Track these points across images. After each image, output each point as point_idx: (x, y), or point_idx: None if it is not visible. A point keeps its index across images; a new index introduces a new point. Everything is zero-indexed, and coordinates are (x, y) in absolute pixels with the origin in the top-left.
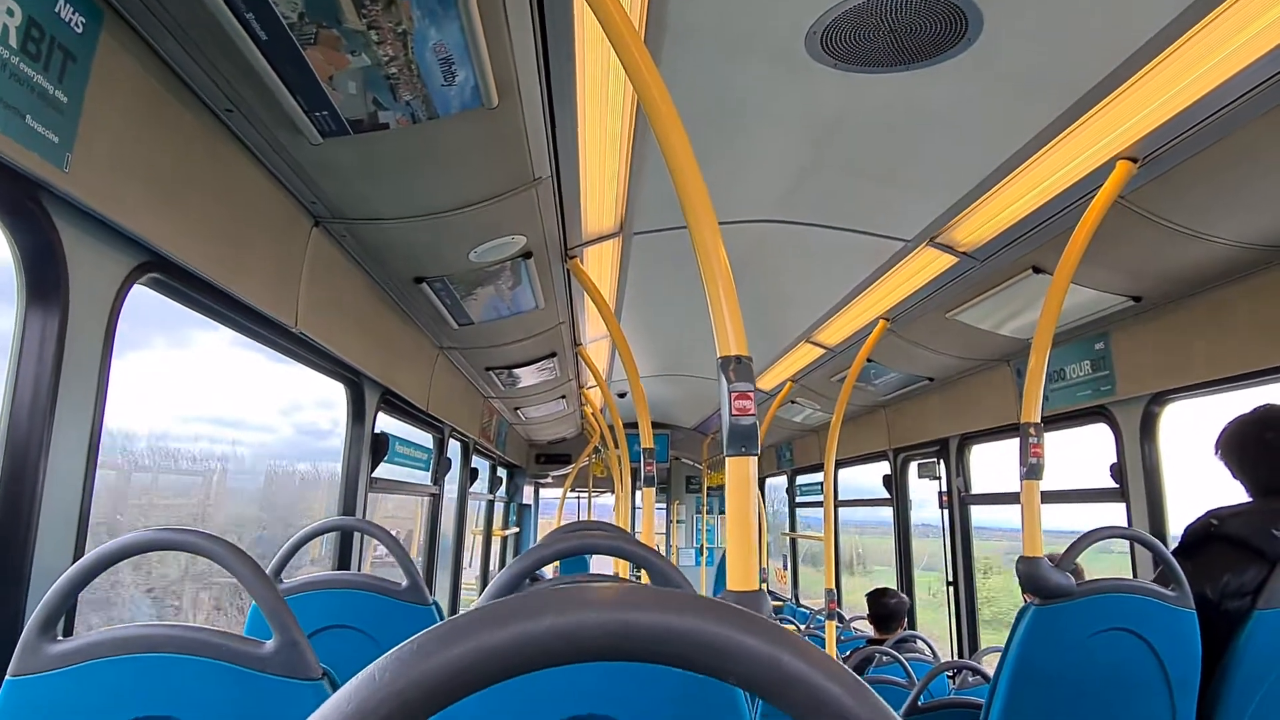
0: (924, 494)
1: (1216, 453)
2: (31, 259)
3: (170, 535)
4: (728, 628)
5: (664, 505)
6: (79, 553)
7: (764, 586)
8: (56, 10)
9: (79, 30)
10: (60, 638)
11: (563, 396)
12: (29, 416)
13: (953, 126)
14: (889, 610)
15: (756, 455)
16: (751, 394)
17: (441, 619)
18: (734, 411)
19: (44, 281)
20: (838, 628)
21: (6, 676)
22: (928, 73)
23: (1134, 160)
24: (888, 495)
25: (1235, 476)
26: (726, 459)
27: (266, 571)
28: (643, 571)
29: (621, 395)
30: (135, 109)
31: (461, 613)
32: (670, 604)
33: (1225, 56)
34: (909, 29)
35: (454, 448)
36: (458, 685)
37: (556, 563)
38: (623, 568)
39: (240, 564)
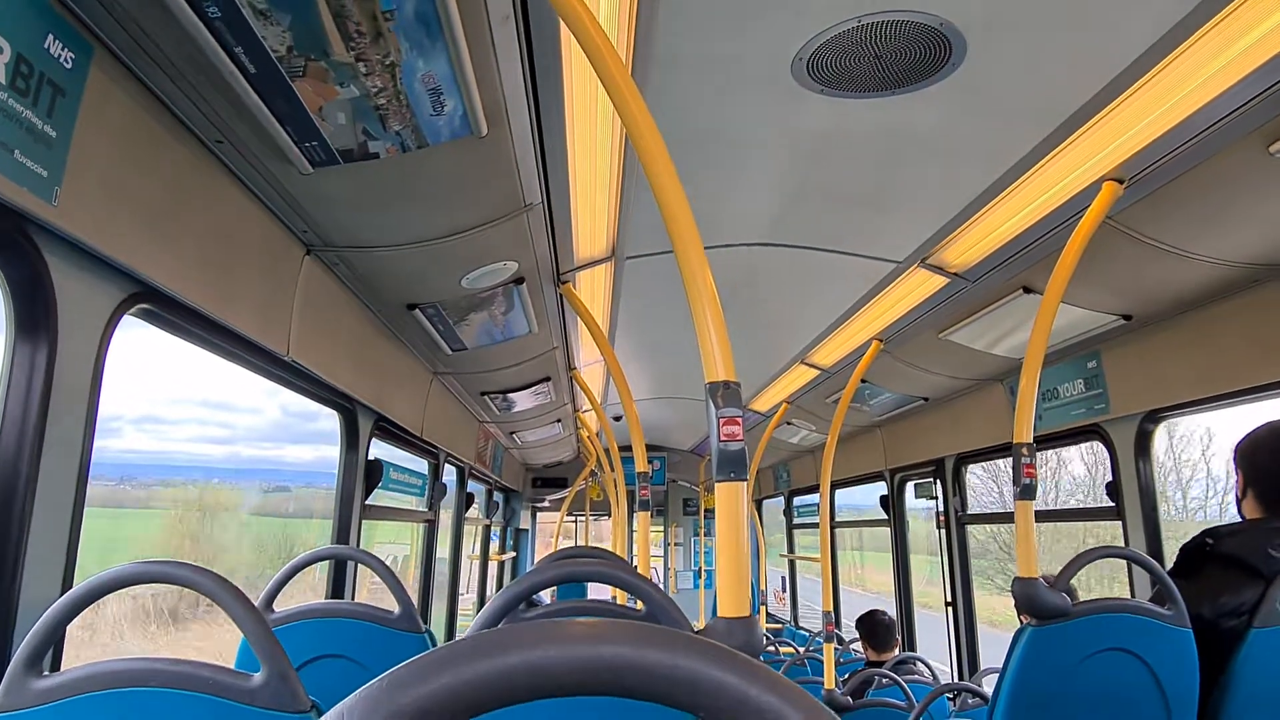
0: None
1: (1234, 459)
2: (20, 291)
3: (159, 568)
4: (697, 661)
5: (661, 528)
6: (67, 585)
7: (764, 609)
8: (46, 46)
9: (68, 66)
10: (46, 672)
11: (558, 420)
12: (16, 448)
13: (940, 150)
14: (881, 627)
15: (746, 480)
16: (740, 419)
17: (435, 646)
18: (722, 437)
19: (33, 313)
20: (836, 650)
21: None
22: (914, 97)
23: (1120, 181)
24: (885, 516)
25: (1247, 486)
26: (716, 484)
27: (258, 601)
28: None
29: (617, 419)
30: (125, 142)
31: (439, 646)
32: (637, 638)
33: (1208, 79)
34: (894, 55)
35: (450, 473)
36: None
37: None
38: (622, 593)
39: (229, 597)
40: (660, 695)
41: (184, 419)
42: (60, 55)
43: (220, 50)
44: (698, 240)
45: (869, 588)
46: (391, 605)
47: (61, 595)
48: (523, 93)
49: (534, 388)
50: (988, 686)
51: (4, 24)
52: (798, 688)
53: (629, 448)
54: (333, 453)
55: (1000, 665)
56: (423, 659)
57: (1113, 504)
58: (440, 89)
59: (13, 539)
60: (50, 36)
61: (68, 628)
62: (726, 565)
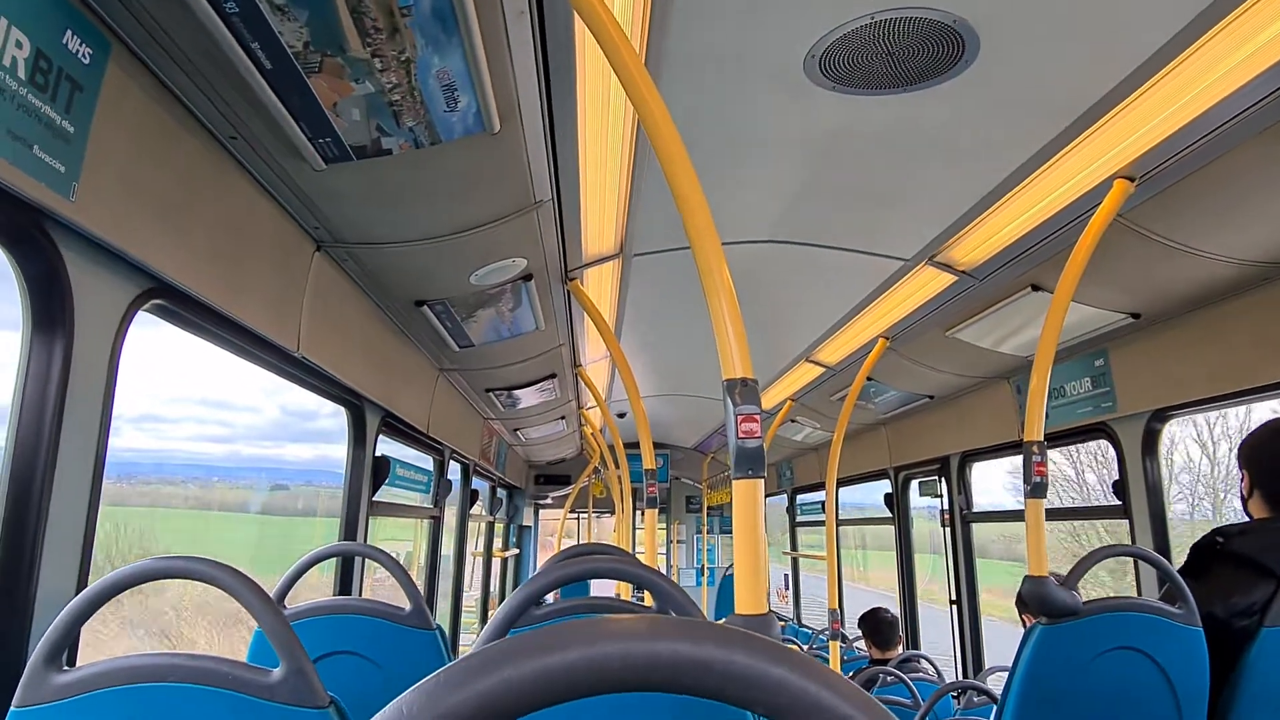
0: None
1: (1239, 459)
2: (37, 286)
3: (176, 563)
4: (761, 660)
5: (664, 525)
6: (83, 582)
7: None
8: (64, 42)
9: (86, 61)
10: (65, 668)
11: (562, 417)
12: (34, 443)
13: (951, 147)
14: (884, 625)
15: (763, 477)
16: (758, 416)
17: (445, 643)
18: (740, 434)
19: (49, 308)
20: (841, 647)
21: (11, 708)
22: (926, 94)
23: (1131, 179)
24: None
25: (1253, 485)
26: (733, 481)
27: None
28: (645, 593)
29: (621, 415)
30: (141, 137)
31: (459, 645)
32: (697, 635)
33: (1220, 76)
34: (906, 52)
35: (454, 470)
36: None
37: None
38: (624, 589)
39: (247, 591)
40: (716, 691)
41: (183, 418)
42: (78, 51)
43: (237, 45)
44: (715, 236)
45: (872, 584)
46: (399, 601)
47: (77, 590)
48: (536, 89)
49: (539, 384)
50: (993, 685)
51: (23, 20)
52: (855, 685)
53: (633, 444)
54: (332, 451)
55: (1005, 663)
56: (481, 654)
57: (1119, 502)
58: (454, 85)
59: (29, 534)
60: (69, 32)
61: None
62: (745, 562)
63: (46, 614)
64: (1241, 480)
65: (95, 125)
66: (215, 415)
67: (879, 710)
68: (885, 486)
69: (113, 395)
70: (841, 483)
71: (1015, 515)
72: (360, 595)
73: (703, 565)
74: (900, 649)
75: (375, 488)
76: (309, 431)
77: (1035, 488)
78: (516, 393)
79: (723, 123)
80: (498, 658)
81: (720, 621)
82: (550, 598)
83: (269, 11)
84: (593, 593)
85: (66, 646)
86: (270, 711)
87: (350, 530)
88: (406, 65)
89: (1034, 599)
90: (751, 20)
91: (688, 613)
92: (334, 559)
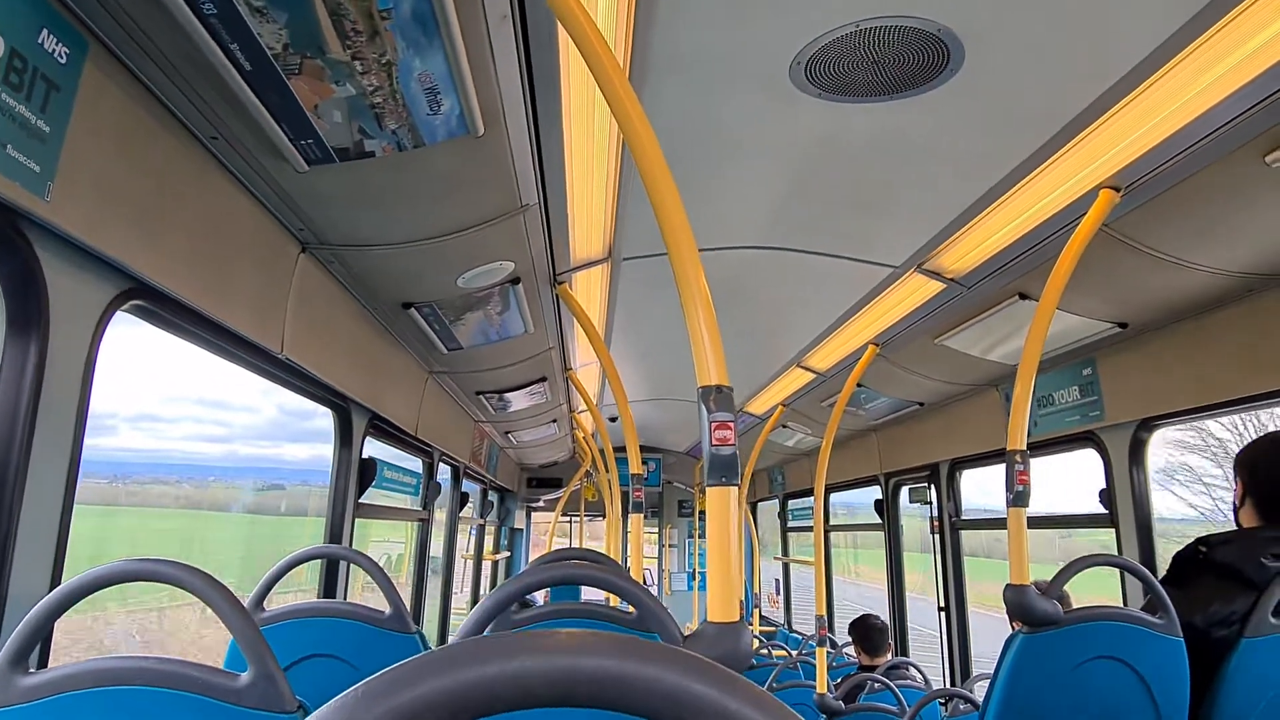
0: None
1: (1234, 468)
2: (12, 287)
3: (147, 566)
4: (679, 675)
5: (656, 529)
6: (55, 582)
7: (757, 612)
8: (40, 41)
9: (63, 61)
10: (33, 670)
11: (553, 420)
12: (6, 444)
13: (937, 155)
14: (874, 632)
15: (737, 485)
16: (732, 424)
17: (425, 648)
18: (714, 442)
19: (25, 309)
20: (829, 654)
21: None
22: (911, 102)
23: (1117, 189)
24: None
25: (1246, 494)
26: (707, 489)
27: (248, 601)
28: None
29: (612, 419)
30: (119, 137)
31: (418, 654)
32: (620, 651)
33: (1205, 88)
34: (892, 60)
35: (444, 472)
36: None
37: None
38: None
39: (216, 595)
40: (641, 708)
41: (180, 417)
42: (55, 50)
43: (216, 47)
44: (692, 243)
45: (863, 579)
46: (382, 605)
47: (49, 592)
48: (520, 93)
49: (530, 388)
50: (979, 693)
51: None
52: (777, 701)
53: (623, 449)
54: (329, 451)
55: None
56: (399, 668)
57: (1106, 511)
58: (437, 88)
59: (1, 535)
60: (45, 31)
61: None
62: (716, 570)
63: (17, 615)
64: (1235, 489)
65: (72, 125)
66: (212, 415)
67: None
68: (877, 493)
69: (89, 395)
70: (832, 489)
71: (1005, 523)
72: (347, 598)
73: (694, 570)
74: (889, 655)
75: (362, 490)
76: (306, 431)
77: (1018, 496)
78: (507, 396)
79: (709, 129)
80: (419, 669)
81: (693, 626)
82: (541, 600)
83: (247, 13)
84: (584, 597)
85: (34, 648)
86: (237, 716)
87: (335, 533)
88: (388, 68)
89: (1015, 607)
90: (737, 26)
91: (660, 620)
92: (318, 561)
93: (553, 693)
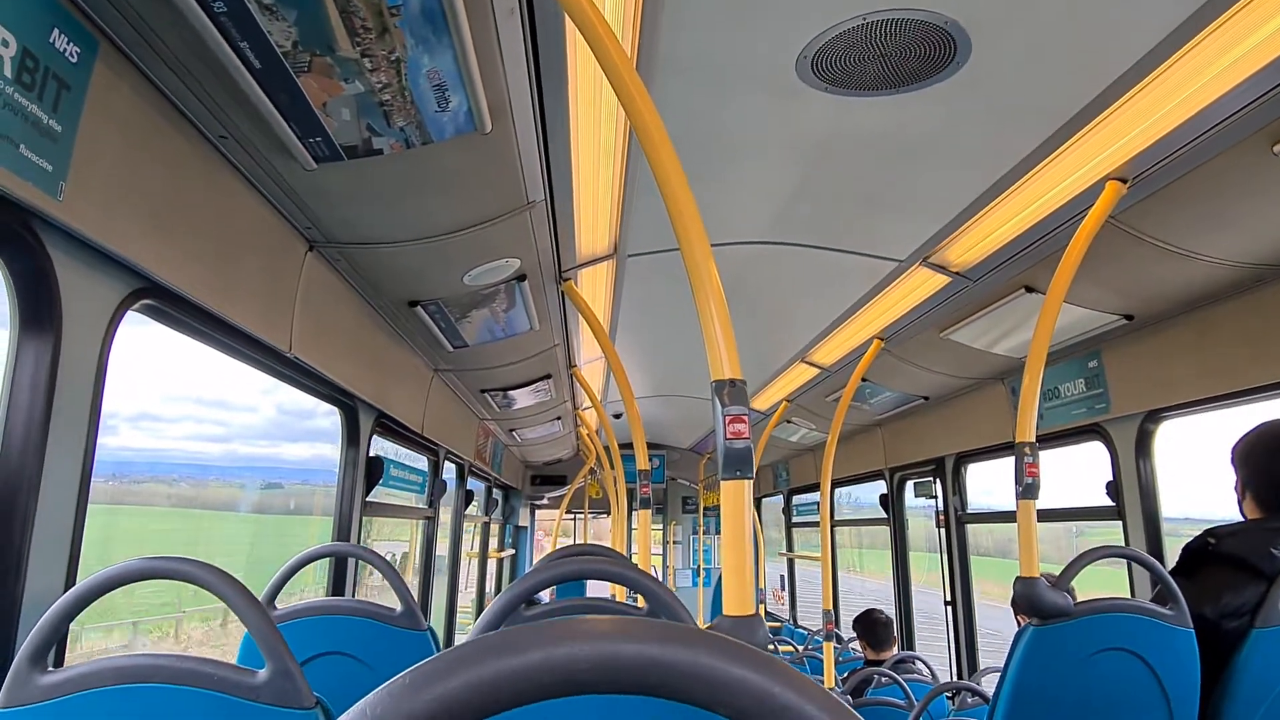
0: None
1: (1232, 460)
2: (25, 286)
3: (163, 564)
4: (720, 659)
5: (660, 526)
6: (70, 582)
7: (763, 607)
8: (51, 41)
9: (74, 60)
10: (51, 668)
11: (558, 418)
12: (21, 444)
13: (943, 148)
14: (879, 626)
15: (752, 479)
16: (746, 417)
17: (437, 644)
18: (728, 435)
19: (37, 309)
20: (836, 648)
21: None
22: (918, 96)
23: (1124, 180)
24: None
25: (1245, 486)
26: (721, 482)
27: (260, 598)
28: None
29: (617, 416)
30: (130, 137)
31: (454, 645)
32: (662, 635)
33: (1212, 79)
34: (898, 54)
35: (449, 470)
36: None
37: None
38: (620, 590)
39: (233, 592)
40: (682, 693)
41: (181, 417)
42: (66, 50)
43: (225, 45)
44: (704, 237)
45: (868, 572)
46: (392, 602)
47: (65, 591)
48: (527, 89)
49: (534, 385)
50: (987, 686)
51: (10, 18)
52: (818, 685)
53: (628, 445)
54: (332, 450)
55: (1000, 664)
56: (445, 656)
57: (1113, 503)
58: (445, 85)
59: (16, 535)
60: (56, 31)
61: None
62: (732, 563)
63: (34, 614)
64: (1235, 481)
65: (83, 124)
66: (213, 414)
67: (843, 710)
68: (882, 488)
69: (101, 395)
70: (837, 484)
71: (1012, 516)
72: (355, 596)
73: (698, 566)
74: (895, 649)
75: (369, 488)
76: (309, 430)
77: (1027, 489)
78: (512, 393)
79: (716, 123)
80: (463, 659)
81: (711, 623)
82: (546, 597)
83: (257, 11)
84: (589, 593)
85: (52, 646)
86: (256, 713)
87: (343, 531)
88: (396, 65)
89: (1025, 600)
90: (744, 21)
91: (675, 612)
92: (327, 560)
93: (597, 679)
